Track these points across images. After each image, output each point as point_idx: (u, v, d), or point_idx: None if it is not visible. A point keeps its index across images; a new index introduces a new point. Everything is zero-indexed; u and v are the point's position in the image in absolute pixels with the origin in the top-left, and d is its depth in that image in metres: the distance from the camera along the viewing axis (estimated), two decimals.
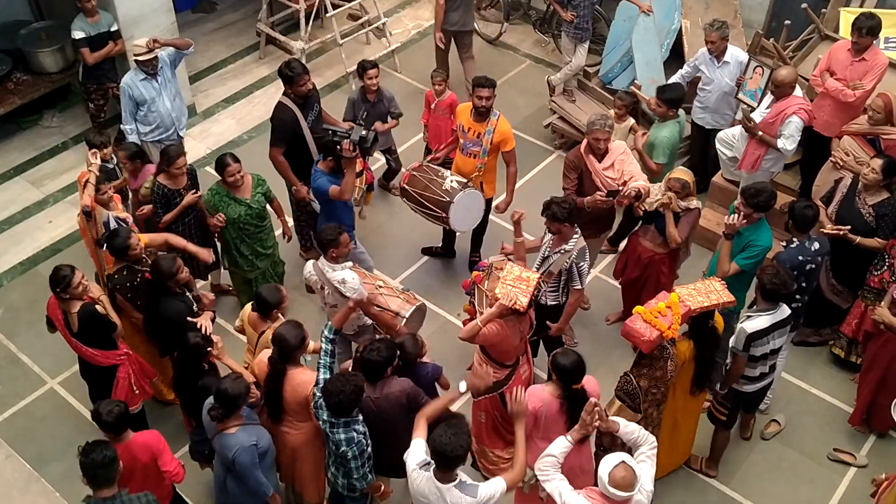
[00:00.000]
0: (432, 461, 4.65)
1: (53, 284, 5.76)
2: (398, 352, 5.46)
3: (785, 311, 5.75)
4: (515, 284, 5.62)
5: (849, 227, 6.52)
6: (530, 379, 6.17)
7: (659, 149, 7.23)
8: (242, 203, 6.75)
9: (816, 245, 6.18)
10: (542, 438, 5.22)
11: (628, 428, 4.92)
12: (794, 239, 6.20)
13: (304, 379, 5.33)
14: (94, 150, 6.84)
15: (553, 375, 5.22)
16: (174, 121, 7.88)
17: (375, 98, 7.80)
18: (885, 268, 6.53)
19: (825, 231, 6.56)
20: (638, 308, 5.61)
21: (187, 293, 6.18)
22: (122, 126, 7.85)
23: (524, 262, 6.24)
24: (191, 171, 6.97)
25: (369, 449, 5.22)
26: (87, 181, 6.52)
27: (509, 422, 6.08)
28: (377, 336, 6.49)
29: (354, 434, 5.05)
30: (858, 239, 6.53)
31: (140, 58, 7.52)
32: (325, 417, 5.07)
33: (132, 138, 7.76)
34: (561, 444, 4.82)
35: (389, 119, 7.96)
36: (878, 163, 6.46)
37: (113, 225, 6.59)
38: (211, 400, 5.20)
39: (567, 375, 5.12)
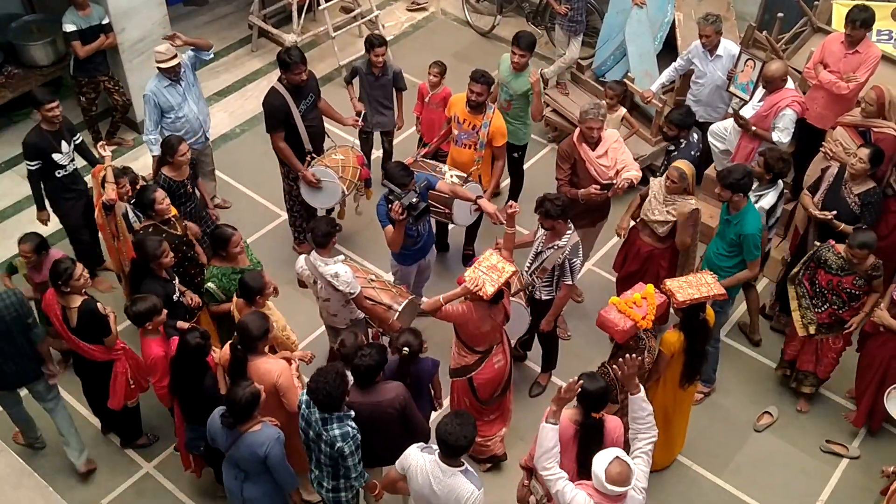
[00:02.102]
0: (433, 447, 4.70)
1: (55, 277, 5.76)
2: (405, 351, 5.43)
3: (780, 183, 6.63)
4: (487, 272, 5.58)
5: (835, 212, 6.58)
6: (504, 370, 6.11)
7: (524, 98, 7.59)
8: (249, 272, 6.19)
9: (695, 136, 7.09)
10: None
11: (645, 403, 4.82)
12: (682, 139, 7.00)
13: (269, 367, 5.36)
14: (102, 143, 6.92)
15: (576, 400, 4.99)
16: (202, 123, 7.70)
17: (380, 73, 7.82)
18: (827, 306, 6.44)
19: (813, 214, 6.67)
20: (613, 299, 5.66)
21: (173, 280, 6.22)
22: (144, 137, 7.60)
23: (511, 253, 6.19)
24: (192, 162, 7.06)
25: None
26: (104, 176, 6.50)
27: (479, 410, 6.16)
28: (369, 330, 6.50)
29: (349, 429, 5.01)
30: (842, 226, 6.56)
31: (163, 65, 7.32)
32: (317, 416, 5.03)
33: (154, 150, 7.54)
34: (550, 433, 4.71)
35: (395, 93, 8.01)
36: (865, 152, 6.49)
37: (132, 216, 6.62)
38: (221, 410, 5.15)
39: (588, 401, 4.90)
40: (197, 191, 7.17)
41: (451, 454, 4.64)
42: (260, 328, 5.34)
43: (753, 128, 7.18)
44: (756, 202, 6.50)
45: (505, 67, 7.59)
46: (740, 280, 6.43)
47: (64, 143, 7.08)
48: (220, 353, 5.65)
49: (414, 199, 6.34)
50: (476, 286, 5.52)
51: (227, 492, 5.45)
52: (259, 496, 5.27)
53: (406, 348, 5.45)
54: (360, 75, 7.91)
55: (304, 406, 5.14)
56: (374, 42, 7.71)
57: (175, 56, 7.38)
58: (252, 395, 4.97)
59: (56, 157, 7.04)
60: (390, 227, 6.49)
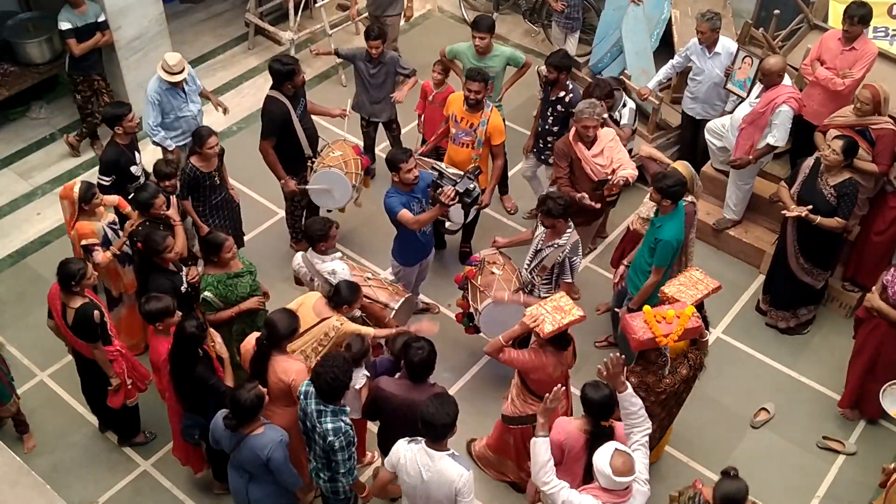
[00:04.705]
0: (418, 438, 4.71)
1: (68, 279, 5.73)
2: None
3: (630, 101, 7.34)
4: (552, 311, 5.42)
5: (810, 206, 6.61)
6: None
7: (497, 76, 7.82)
8: (243, 274, 6.19)
9: (571, 84, 7.49)
10: (563, 472, 4.93)
11: (634, 399, 4.78)
12: (567, 82, 7.40)
13: (286, 367, 5.37)
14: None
15: (583, 410, 4.97)
16: (198, 122, 7.65)
17: (378, 59, 7.87)
18: None
19: (788, 214, 6.69)
20: (647, 307, 5.49)
21: (179, 272, 6.24)
22: (155, 138, 7.51)
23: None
24: (221, 153, 7.02)
25: (355, 445, 5.19)
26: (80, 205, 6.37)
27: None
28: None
29: (342, 424, 5.03)
30: (818, 219, 6.60)
31: (171, 79, 7.28)
32: (313, 407, 5.06)
33: (169, 144, 7.53)
34: (542, 447, 4.67)
35: (399, 80, 8.02)
36: (838, 143, 6.53)
37: (110, 234, 6.55)
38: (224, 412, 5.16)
39: (596, 410, 4.86)
40: (225, 183, 7.14)
41: (437, 436, 4.63)
42: (288, 327, 5.35)
43: (750, 157, 7.28)
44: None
45: (470, 56, 7.61)
46: (647, 289, 6.21)
47: (137, 154, 7.03)
48: (243, 345, 5.66)
49: (470, 186, 6.25)
50: (534, 321, 5.38)
51: (232, 493, 5.46)
52: (264, 496, 5.29)
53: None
54: (355, 63, 7.90)
55: (302, 397, 5.16)
56: (370, 34, 7.73)
57: (183, 70, 7.34)
58: (256, 398, 4.98)
59: (133, 168, 6.99)
60: (406, 211, 6.41)
